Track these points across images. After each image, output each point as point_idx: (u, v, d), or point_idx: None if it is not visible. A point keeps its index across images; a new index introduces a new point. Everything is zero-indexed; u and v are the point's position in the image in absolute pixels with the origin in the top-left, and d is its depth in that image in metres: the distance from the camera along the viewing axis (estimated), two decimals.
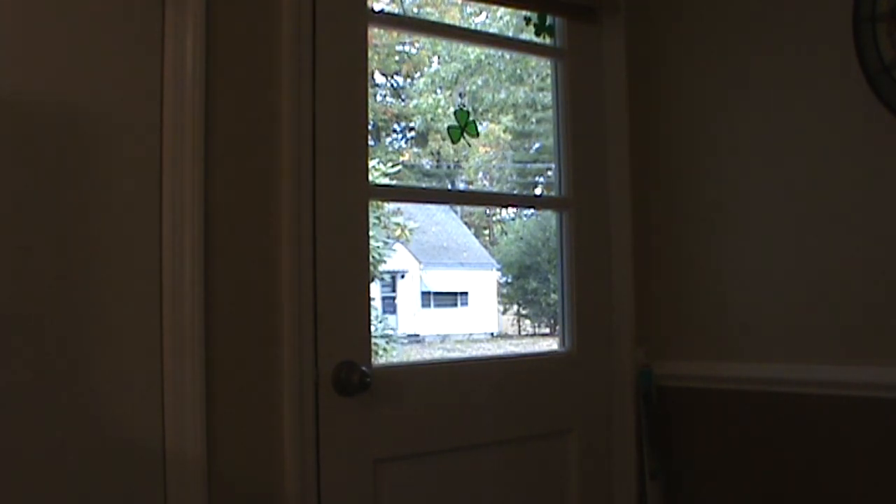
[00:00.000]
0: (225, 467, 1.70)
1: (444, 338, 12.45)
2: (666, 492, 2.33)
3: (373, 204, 2.02)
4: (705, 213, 2.30)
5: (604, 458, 2.32)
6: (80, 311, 1.57)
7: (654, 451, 2.31)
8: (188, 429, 1.64)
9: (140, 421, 1.62)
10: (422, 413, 2.00)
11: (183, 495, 1.63)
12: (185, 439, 1.64)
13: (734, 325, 2.24)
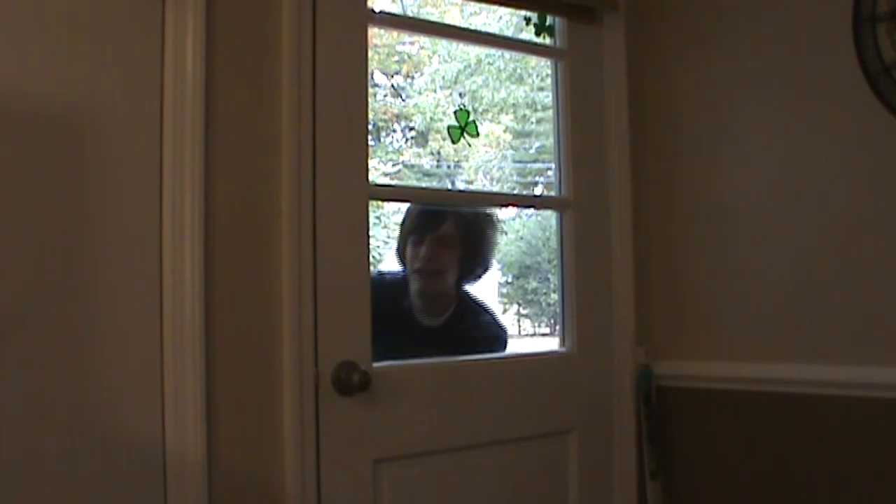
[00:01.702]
0: (225, 467, 1.70)
1: None
2: (666, 492, 2.33)
3: (373, 204, 2.02)
4: (705, 213, 2.30)
5: (604, 458, 2.32)
6: (80, 311, 1.57)
7: (654, 451, 2.31)
8: (188, 429, 1.64)
9: (140, 421, 1.62)
10: (422, 413, 2.00)
11: (183, 495, 1.63)
12: (185, 439, 1.64)
13: (734, 325, 2.24)
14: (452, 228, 2.44)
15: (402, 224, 2.53)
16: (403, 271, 2.50)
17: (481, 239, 2.51)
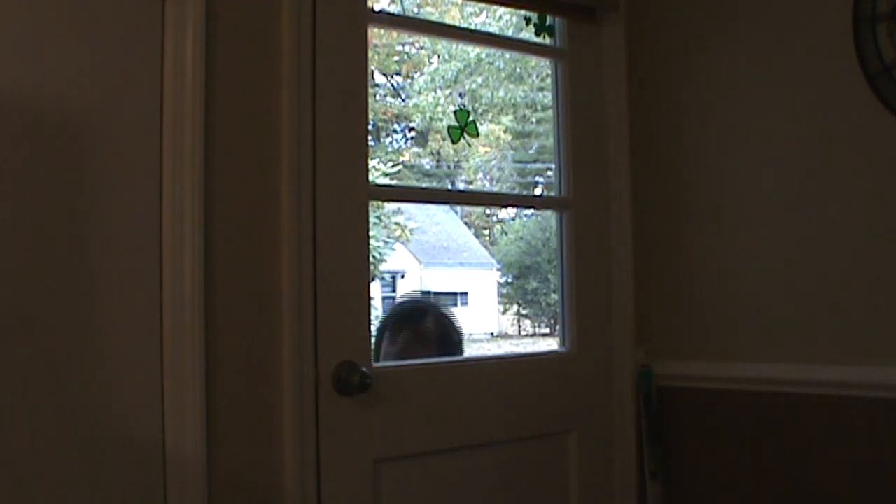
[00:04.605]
0: (225, 467, 1.70)
1: None
2: (666, 492, 2.33)
3: (373, 204, 2.02)
4: (705, 213, 2.31)
5: (604, 459, 2.32)
6: (80, 311, 1.57)
7: (654, 451, 2.31)
8: (188, 429, 1.64)
9: (140, 421, 1.62)
10: (422, 413, 2.00)
11: (183, 495, 1.63)
12: (185, 439, 1.64)
13: (734, 324, 2.24)
14: (432, 324, 2.48)
15: (381, 322, 2.56)
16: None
17: (453, 345, 2.53)
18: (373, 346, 2.51)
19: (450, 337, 2.52)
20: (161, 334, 1.65)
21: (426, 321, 2.49)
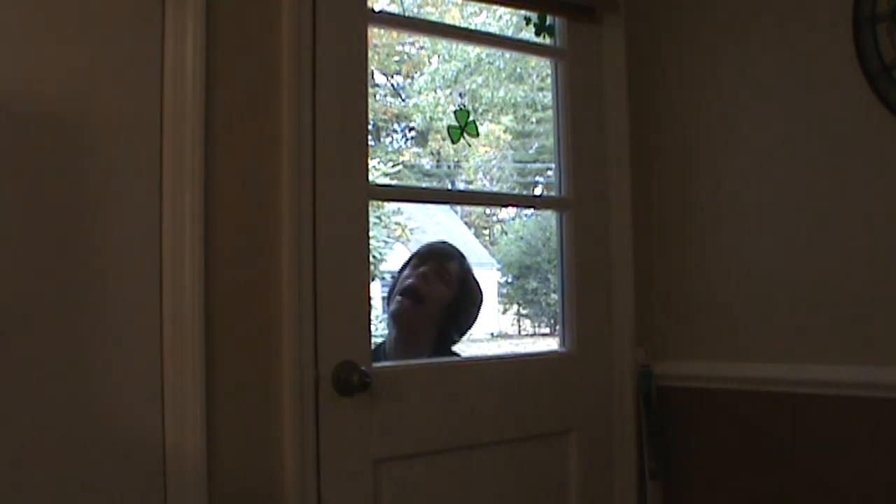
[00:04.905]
0: (225, 467, 1.70)
1: None
2: (666, 492, 2.33)
3: (373, 204, 2.02)
4: (705, 213, 2.31)
5: (604, 458, 2.32)
6: (80, 311, 1.57)
7: (654, 451, 2.31)
8: (188, 429, 1.64)
9: (140, 421, 1.62)
10: (422, 413, 2.00)
11: (183, 495, 1.63)
12: (185, 439, 1.64)
13: (734, 324, 2.24)
14: (457, 268, 2.47)
15: (410, 257, 2.55)
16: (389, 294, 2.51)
17: (472, 299, 2.52)
18: (395, 275, 2.52)
19: (470, 287, 2.50)
20: (161, 334, 1.65)
21: (452, 262, 2.48)
